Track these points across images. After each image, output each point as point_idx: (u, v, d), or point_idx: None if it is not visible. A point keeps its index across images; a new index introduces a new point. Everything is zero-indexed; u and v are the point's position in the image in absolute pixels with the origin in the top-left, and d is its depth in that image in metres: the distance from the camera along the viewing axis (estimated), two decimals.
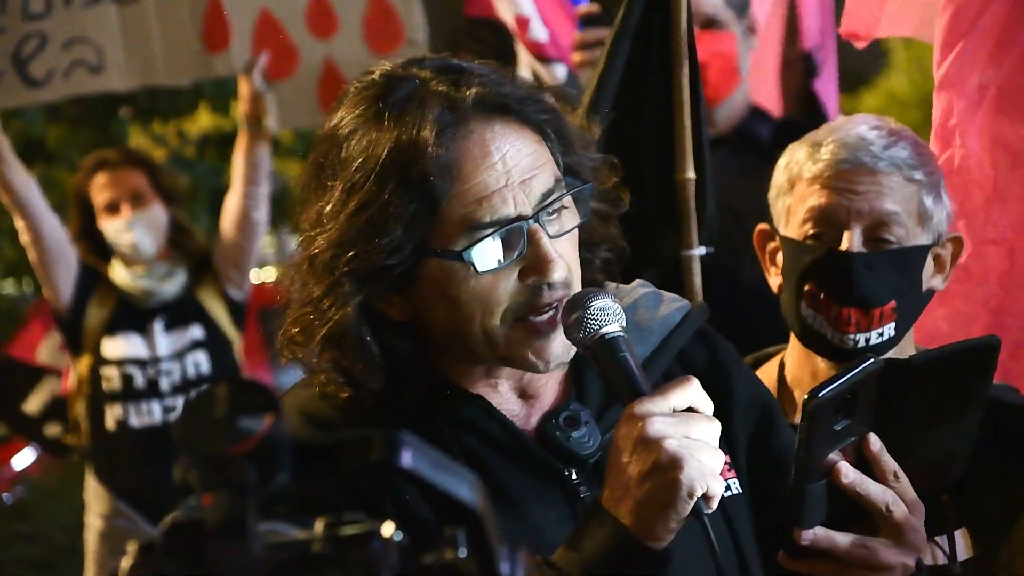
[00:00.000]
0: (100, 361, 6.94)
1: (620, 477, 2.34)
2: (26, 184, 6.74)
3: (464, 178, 2.43)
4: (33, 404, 7.82)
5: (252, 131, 6.67)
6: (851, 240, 3.21)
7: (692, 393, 2.37)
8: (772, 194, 3.38)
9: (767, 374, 3.45)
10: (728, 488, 2.63)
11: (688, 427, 2.32)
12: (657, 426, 2.31)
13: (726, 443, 2.61)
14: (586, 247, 2.63)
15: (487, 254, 2.45)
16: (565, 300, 2.48)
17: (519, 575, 1.46)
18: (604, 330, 2.43)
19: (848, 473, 2.47)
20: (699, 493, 2.29)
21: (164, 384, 6.90)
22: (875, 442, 2.52)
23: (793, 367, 3.40)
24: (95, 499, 7.01)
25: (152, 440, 6.84)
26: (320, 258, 2.48)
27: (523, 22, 5.40)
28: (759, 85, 5.98)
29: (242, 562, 1.37)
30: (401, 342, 2.54)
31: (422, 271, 2.48)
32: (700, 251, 3.88)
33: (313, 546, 1.40)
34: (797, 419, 3.29)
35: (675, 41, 3.86)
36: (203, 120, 16.06)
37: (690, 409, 2.36)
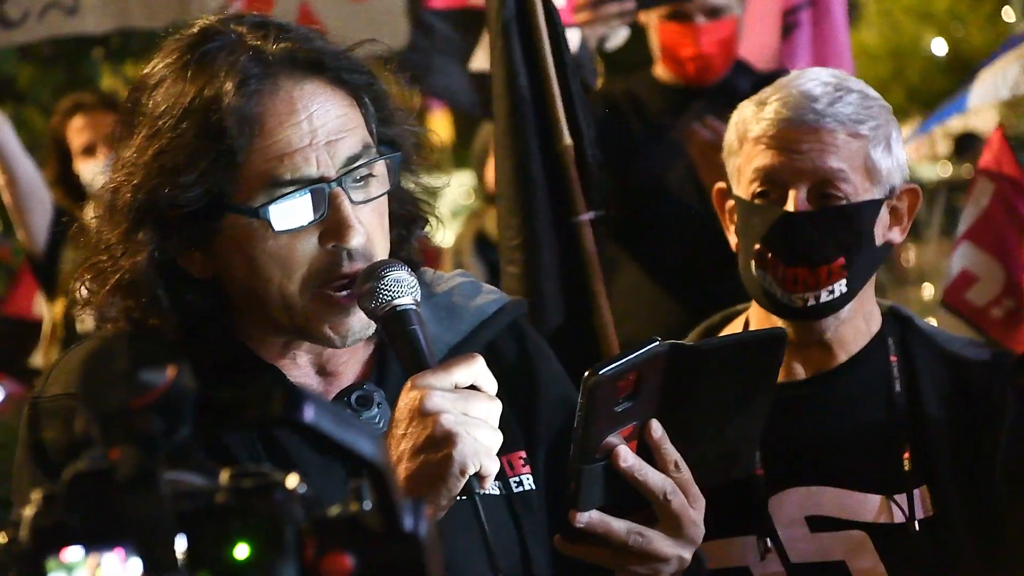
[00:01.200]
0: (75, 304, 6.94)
1: (394, 449, 2.33)
2: (2, 129, 6.74)
3: (266, 134, 2.40)
4: (39, 358, 7.86)
5: None
6: (796, 199, 3.21)
7: (476, 370, 2.36)
8: (724, 153, 3.37)
9: (732, 331, 3.47)
10: (520, 483, 2.63)
11: (467, 404, 2.32)
12: (436, 399, 2.31)
13: (527, 439, 2.65)
14: (403, 223, 2.60)
15: (286, 213, 2.41)
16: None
17: (422, 528, 1.49)
18: (397, 302, 2.42)
19: (627, 457, 2.45)
20: (471, 471, 2.30)
21: None
22: (657, 429, 2.49)
23: (754, 325, 3.42)
24: None
25: None
26: (116, 202, 2.45)
27: None
28: (746, 38, 5.99)
29: (149, 513, 1.41)
30: (200, 300, 2.50)
31: (221, 227, 2.44)
32: (590, 216, 3.92)
33: (216, 496, 1.43)
34: None
35: (532, 13, 3.90)
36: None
37: (473, 388, 2.36)
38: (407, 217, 2.62)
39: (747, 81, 5.16)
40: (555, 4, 5.40)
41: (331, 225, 2.43)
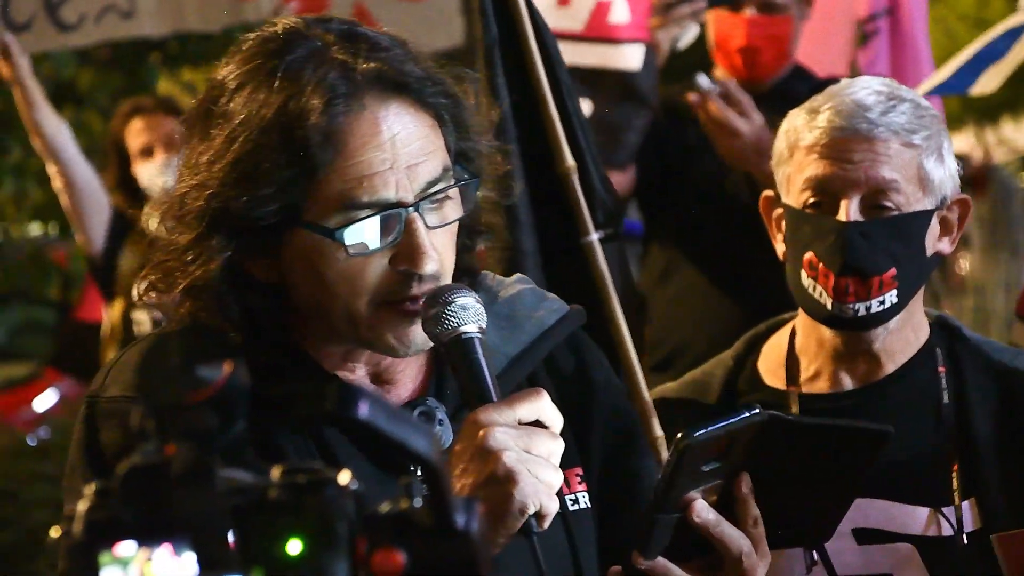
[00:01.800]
0: (132, 305, 7.00)
1: (455, 483, 2.30)
2: (58, 129, 6.81)
3: (348, 154, 2.37)
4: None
5: None
6: (848, 209, 3.18)
7: (540, 407, 2.35)
8: (773, 162, 3.34)
9: (779, 341, 3.45)
10: (576, 501, 2.61)
11: (530, 441, 2.30)
12: (498, 436, 2.29)
13: (581, 453, 2.63)
14: (467, 234, 2.57)
15: (360, 235, 2.38)
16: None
17: (474, 526, 1.49)
18: (462, 329, 2.39)
19: (702, 512, 2.47)
20: (531, 511, 2.28)
21: None
22: (746, 483, 2.52)
23: (801, 336, 3.40)
24: None
25: None
26: (190, 205, 2.42)
27: (603, 9, 5.32)
28: (806, 45, 5.97)
29: (204, 508, 1.41)
30: (263, 304, 2.47)
31: (292, 239, 2.42)
32: (598, 235, 3.91)
33: (269, 492, 1.44)
34: (808, 388, 3.33)
35: (524, 42, 3.89)
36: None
37: (538, 423, 2.35)
38: (471, 228, 2.59)
39: (805, 86, 5.13)
40: (641, 20, 5.43)
41: (405, 249, 2.41)
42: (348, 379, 2.51)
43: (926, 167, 3.22)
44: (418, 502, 1.49)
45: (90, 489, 1.42)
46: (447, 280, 2.47)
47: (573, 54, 5.06)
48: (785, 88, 5.41)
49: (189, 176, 2.44)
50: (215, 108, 2.44)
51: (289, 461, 1.47)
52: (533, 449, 2.31)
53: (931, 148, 3.23)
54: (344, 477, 1.46)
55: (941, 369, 3.34)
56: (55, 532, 1.43)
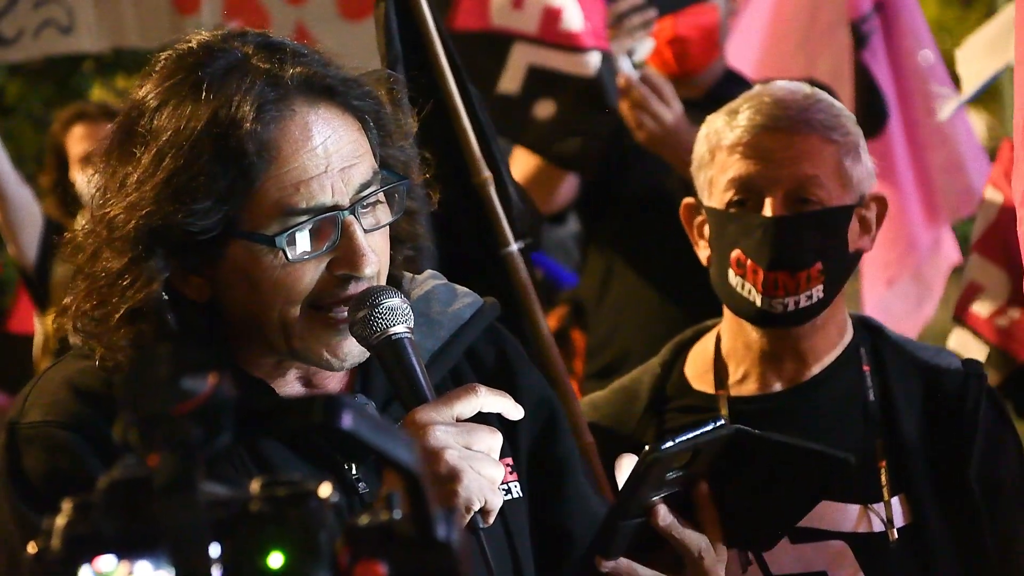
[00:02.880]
0: None
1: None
2: None
3: (283, 160, 2.36)
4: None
5: None
6: (773, 206, 3.23)
7: (477, 402, 2.37)
8: (694, 167, 3.37)
9: (705, 346, 3.47)
10: (508, 492, 2.62)
11: (470, 438, 2.32)
12: (439, 435, 2.30)
13: (511, 445, 2.64)
14: (392, 244, 2.55)
15: (298, 242, 2.37)
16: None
17: (455, 537, 1.48)
18: (392, 330, 2.40)
19: (666, 517, 2.56)
20: (476, 507, 2.30)
21: None
22: (705, 489, 2.61)
23: (727, 339, 3.42)
24: None
25: None
26: (121, 228, 2.37)
27: (554, 14, 5.29)
28: (740, 49, 6.00)
29: (186, 520, 1.39)
30: (199, 322, 2.44)
31: (228, 252, 2.39)
32: (518, 245, 3.92)
33: (251, 505, 1.42)
34: (737, 391, 3.36)
35: (431, 52, 3.89)
36: None
37: (480, 418, 2.37)
38: (394, 238, 2.57)
39: (740, 91, 5.20)
40: (597, 27, 5.40)
41: (343, 254, 2.40)
42: (279, 386, 2.51)
43: (845, 164, 3.27)
44: (398, 514, 1.48)
45: (67, 504, 1.39)
46: (383, 282, 2.47)
47: (534, 55, 5.04)
48: (720, 93, 5.42)
49: (116, 199, 2.39)
50: (136, 128, 2.40)
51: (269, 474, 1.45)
52: (474, 445, 2.32)
53: (849, 145, 3.29)
54: (325, 489, 1.44)
55: (866, 368, 3.38)
56: (31, 548, 1.39)
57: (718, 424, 2.49)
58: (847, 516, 3.25)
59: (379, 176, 2.46)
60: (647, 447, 2.42)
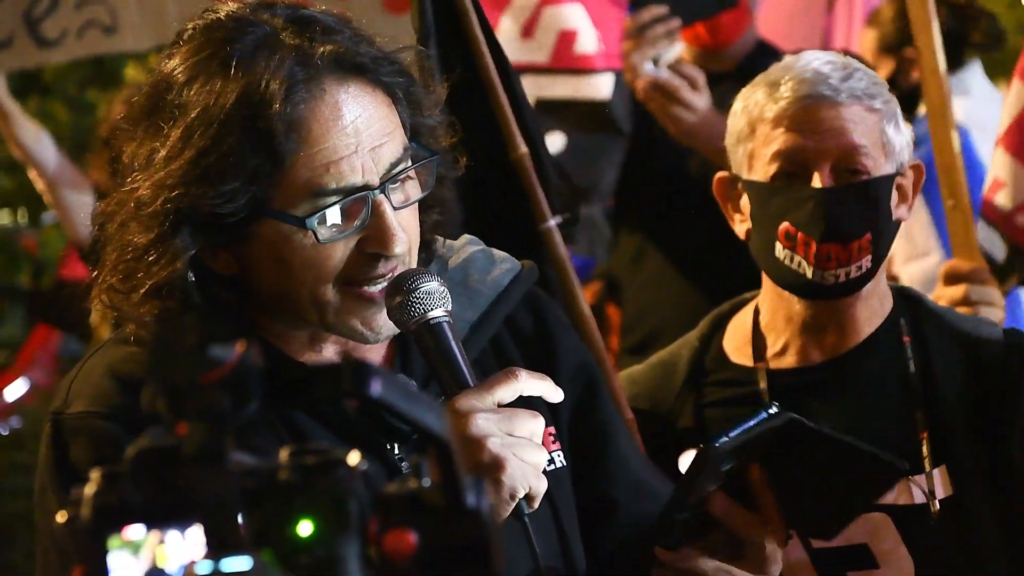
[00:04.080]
0: None
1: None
2: (37, 139, 6.85)
3: (313, 140, 2.34)
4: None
5: None
6: (821, 178, 3.20)
7: (519, 387, 2.35)
8: (731, 141, 3.34)
9: (743, 319, 3.44)
10: (552, 462, 2.59)
11: (512, 424, 2.30)
12: (480, 424, 2.28)
13: (551, 412, 2.61)
14: (420, 209, 2.53)
15: (329, 223, 2.36)
16: (398, 271, 2.42)
17: (485, 505, 1.47)
18: (430, 315, 2.39)
19: (723, 505, 2.55)
20: (521, 494, 2.29)
21: None
22: (760, 472, 2.59)
23: (767, 311, 3.39)
24: None
25: None
26: (149, 205, 2.36)
27: (569, 38, 5.24)
28: (771, 20, 5.96)
29: (216, 489, 1.39)
30: (227, 296, 2.43)
31: (258, 230, 2.38)
32: (556, 221, 3.90)
33: (279, 474, 1.42)
34: (776, 363, 3.33)
35: (466, 26, 3.86)
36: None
37: (521, 401, 2.36)
38: (423, 203, 2.55)
39: (771, 62, 5.17)
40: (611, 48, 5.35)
41: (373, 232, 2.39)
42: (316, 362, 2.48)
43: (888, 132, 3.25)
44: (427, 482, 1.47)
45: (96, 473, 1.39)
46: (413, 259, 2.46)
47: (541, 87, 5.00)
48: (750, 65, 5.37)
49: (143, 175, 2.38)
50: (164, 103, 2.39)
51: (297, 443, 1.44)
52: (516, 431, 2.30)
53: (890, 113, 3.27)
54: (354, 458, 1.44)
55: (906, 339, 3.35)
56: (61, 517, 1.39)
57: (771, 413, 2.49)
58: (888, 489, 3.22)
59: (409, 152, 2.45)
60: (702, 446, 2.45)
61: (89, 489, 1.38)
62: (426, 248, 2.58)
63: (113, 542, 1.37)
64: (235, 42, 2.37)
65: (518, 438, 2.29)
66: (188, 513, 1.38)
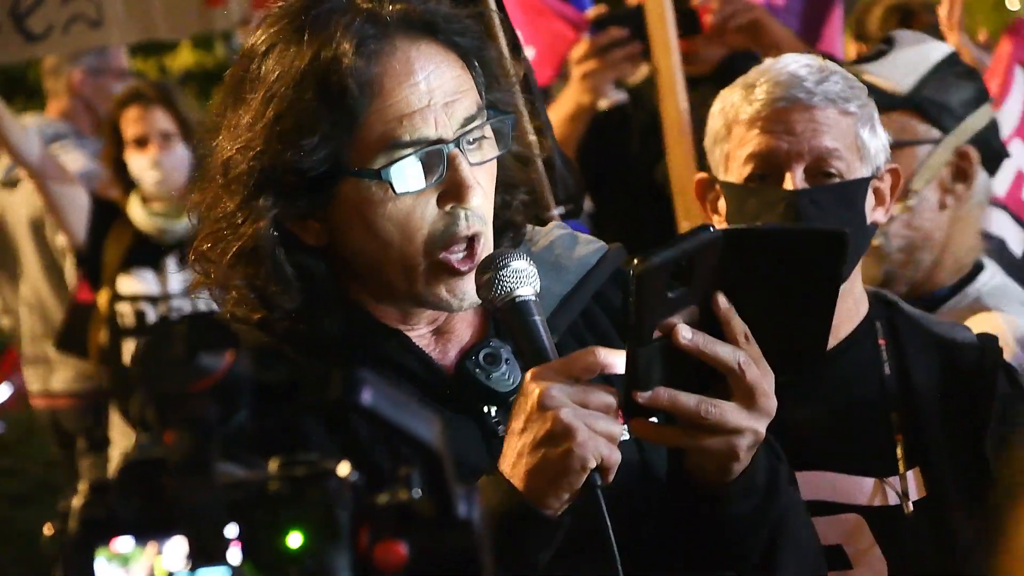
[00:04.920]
0: (116, 297, 6.97)
1: (514, 443, 2.32)
2: (24, 138, 6.85)
3: (385, 95, 2.40)
4: None
5: None
6: (794, 179, 3.21)
7: (596, 364, 2.32)
8: (708, 142, 3.35)
9: None
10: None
11: (585, 396, 2.29)
12: (553, 394, 2.28)
13: None
14: (506, 188, 2.58)
15: (405, 175, 2.40)
16: (480, 238, 2.45)
17: (475, 515, 1.46)
18: (517, 293, 2.41)
19: (687, 334, 2.34)
20: (592, 465, 2.27)
21: None
22: (723, 301, 2.39)
23: None
24: (120, 435, 7.06)
25: None
26: (235, 170, 2.44)
27: None
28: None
29: (203, 500, 1.37)
30: (317, 266, 2.49)
31: (339, 192, 2.44)
32: (559, 211, 3.89)
33: (269, 485, 1.40)
34: None
35: (485, 10, 3.86)
36: (185, 56, 15.95)
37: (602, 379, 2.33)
38: (508, 183, 2.60)
39: (750, 65, 5.18)
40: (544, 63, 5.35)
41: (450, 186, 2.43)
42: (409, 334, 2.53)
43: (862, 136, 3.26)
44: (416, 493, 1.46)
45: (83, 485, 1.37)
46: (490, 223, 2.49)
47: None
48: (731, 68, 5.38)
49: (229, 142, 2.45)
50: (247, 74, 2.46)
51: (286, 453, 1.42)
52: (590, 403, 2.29)
53: (865, 117, 3.27)
54: (344, 468, 1.42)
55: (881, 342, 3.36)
56: (48, 530, 1.37)
57: (704, 230, 2.33)
58: (862, 489, 3.23)
59: (484, 112, 2.49)
60: (634, 261, 2.25)
61: (77, 501, 1.37)
62: (515, 230, 2.62)
63: (101, 554, 1.36)
64: (311, 9, 2.44)
65: (592, 410, 2.29)
66: (174, 524, 1.36)
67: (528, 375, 2.33)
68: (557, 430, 2.26)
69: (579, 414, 2.27)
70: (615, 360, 2.34)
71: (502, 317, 2.44)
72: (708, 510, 2.47)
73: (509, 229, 2.59)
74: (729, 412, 2.36)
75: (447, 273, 2.45)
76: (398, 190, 2.40)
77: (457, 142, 2.42)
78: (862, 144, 3.25)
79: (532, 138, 3.85)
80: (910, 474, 3.24)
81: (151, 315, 6.94)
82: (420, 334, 2.56)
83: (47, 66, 8.19)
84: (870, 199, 3.30)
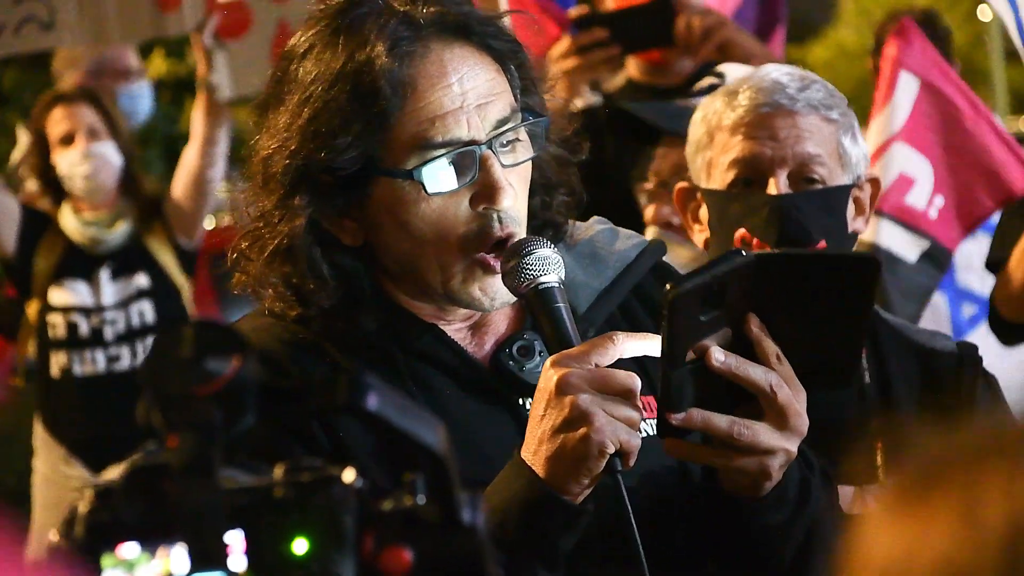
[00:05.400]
0: (47, 308, 6.88)
1: (535, 429, 2.33)
2: None
3: (418, 96, 2.42)
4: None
5: (209, 90, 6.60)
6: (777, 185, 3.22)
7: (616, 350, 2.34)
8: (690, 150, 3.36)
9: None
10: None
11: (604, 381, 2.31)
12: (571, 380, 2.30)
13: (649, 384, 2.54)
14: (545, 190, 2.61)
15: (438, 175, 2.43)
16: (514, 239, 2.47)
17: (480, 521, 1.45)
18: (541, 279, 2.43)
19: (720, 356, 2.36)
20: (610, 450, 2.28)
21: (108, 333, 6.83)
22: (755, 322, 2.42)
23: None
24: (43, 446, 6.97)
25: (94, 389, 6.78)
26: (272, 169, 2.47)
27: None
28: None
29: (207, 504, 1.36)
30: (354, 265, 2.52)
31: (373, 192, 2.46)
32: None
33: (274, 491, 1.39)
34: None
35: None
36: (157, 65, 15.91)
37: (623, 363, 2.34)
38: (547, 183, 2.62)
39: (722, 80, 5.19)
40: None
41: (482, 188, 2.45)
42: (446, 329, 2.56)
43: (844, 143, 3.28)
44: (421, 499, 1.45)
45: (89, 490, 1.36)
46: (523, 224, 2.51)
47: None
48: (698, 79, 5.39)
49: (268, 141, 2.49)
50: (287, 75, 2.50)
51: (291, 459, 1.41)
52: (608, 389, 2.31)
53: (846, 125, 3.30)
54: (349, 474, 1.41)
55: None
56: (53, 536, 1.36)
57: (737, 255, 2.36)
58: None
59: (518, 115, 2.51)
60: (667, 286, 2.28)
61: (82, 506, 1.35)
62: (555, 228, 2.63)
63: (107, 560, 1.34)
64: (348, 13, 2.47)
65: (610, 396, 2.30)
66: (177, 528, 1.35)
67: (548, 361, 2.35)
68: (575, 415, 2.28)
69: (596, 400, 2.28)
70: (636, 345, 2.36)
71: (526, 305, 2.47)
72: (739, 520, 2.48)
73: (549, 228, 2.61)
74: (762, 433, 2.38)
75: (482, 270, 2.47)
76: (430, 190, 2.42)
77: (490, 144, 2.45)
78: (844, 152, 3.27)
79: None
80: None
81: (83, 327, 6.85)
82: (456, 328, 2.58)
83: (57, 68, 8.13)
84: (850, 208, 3.31)
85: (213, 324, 1.27)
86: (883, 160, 5.15)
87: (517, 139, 2.50)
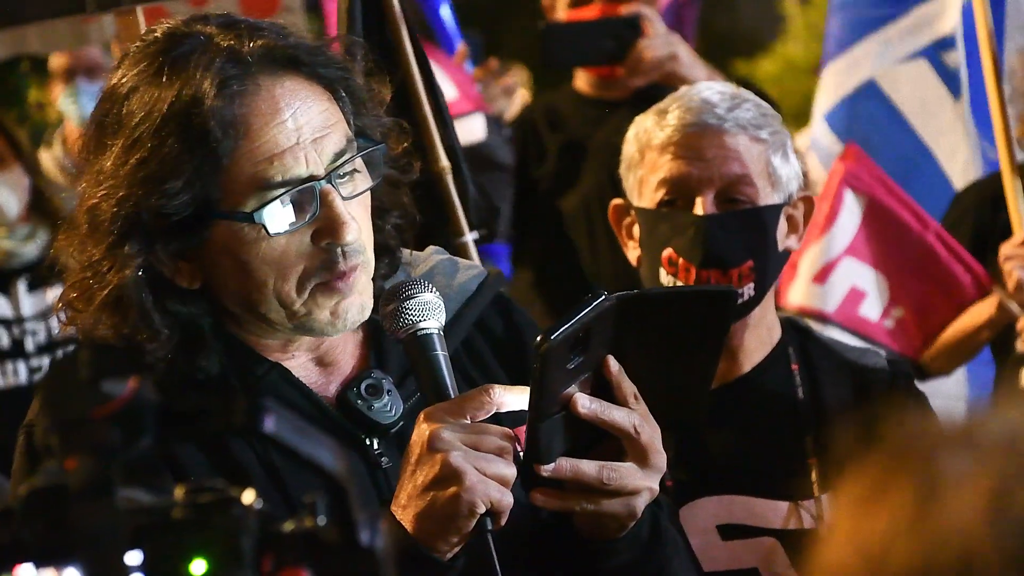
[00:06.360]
0: None
1: (406, 484, 2.31)
2: None
3: (252, 135, 2.35)
4: None
5: None
6: (704, 205, 3.24)
7: (491, 404, 2.33)
8: (623, 168, 3.38)
9: None
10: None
11: (478, 439, 2.29)
12: (444, 436, 2.28)
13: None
14: (377, 213, 2.55)
15: (278, 215, 2.36)
16: (358, 270, 2.43)
17: (379, 543, 1.46)
18: (420, 325, 2.42)
19: (587, 403, 2.39)
20: (481, 510, 2.26)
21: (29, 344, 6.80)
22: (614, 364, 2.44)
23: None
24: None
25: (18, 401, 6.74)
26: (99, 217, 2.38)
27: None
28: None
29: (105, 525, 1.37)
30: (190, 311, 2.44)
31: (210, 235, 2.39)
32: (473, 236, 3.91)
33: (173, 512, 1.40)
34: None
35: (397, 40, 3.88)
36: None
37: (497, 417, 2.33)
38: (379, 207, 2.57)
39: (668, 91, 5.23)
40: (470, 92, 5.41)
41: (324, 223, 2.39)
42: (291, 367, 2.51)
43: (774, 162, 3.28)
44: (322, 520, 1.46)
45: None
46: (370, 253, 2.47)
47: None
48: (648, 93, 5.41)
49: (93, 188, 2.39)
50: (108, 118, 2.41)
51: (193, 479, 1.42)
52: (481, 446, 2.29)
53: (777, 144, 3.30)
54: (249, 496, 1.42)
55: (794, 367, 3.39)
56: None
57: (598, 298, 2.36)
58: (777, 513, 3.26)
59: (354, 144, 2.45)
60: (537, 339, 2.29)
61: None
62: (390, 255, 2.60)
63: None
64: (170, 51, 2.38)
65: (483, 453, 2.28)
66: (75, 550, 1.35)
67: (422, 414, 2.32)
68: (445, 473, 2.26)
69: (469, 457, 2.26)
70: (510, 398, 2.35)
71: (405, 349, 2.43)
72: (591, 561, 2.48)
73: (384, 254, 2.57)
74: (628, 475, 2.40)
75: (325, 293, 2.42)
76: (271, 231, 2.36)
77: (328, 178, 2.39)
78: (773, 171, 3.28)
79: (444, 163, 3.89)
80: (824, 497, 3.27)
81: (4, 339, 6.82)
82: (301, 363, 2.53)
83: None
84: (783, 226, 3.33)
85: (109, 347, 1.28)
86: (832, 276, 5.25)
87: (355, 169, 2.45)
